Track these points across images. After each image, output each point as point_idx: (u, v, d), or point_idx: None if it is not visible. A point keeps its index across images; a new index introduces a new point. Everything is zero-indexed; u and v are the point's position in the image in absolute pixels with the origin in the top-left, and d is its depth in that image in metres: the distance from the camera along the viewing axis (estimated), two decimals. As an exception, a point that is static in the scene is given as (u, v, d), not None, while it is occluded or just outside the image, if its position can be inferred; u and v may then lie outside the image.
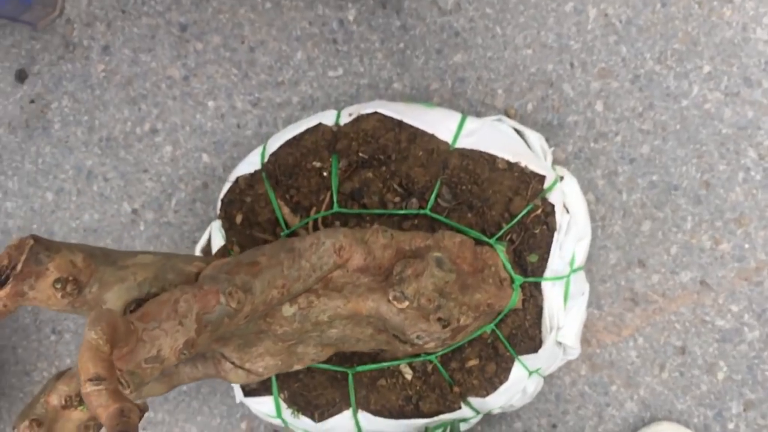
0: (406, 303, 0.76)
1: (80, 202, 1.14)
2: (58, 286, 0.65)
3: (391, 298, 0.77)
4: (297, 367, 0.85)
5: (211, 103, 1.09)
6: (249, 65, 1.08)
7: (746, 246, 0.94)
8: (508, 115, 0.99)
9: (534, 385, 0.94)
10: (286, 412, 0.95)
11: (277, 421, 0.98)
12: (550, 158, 0.93)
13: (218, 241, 0.97)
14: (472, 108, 1.00)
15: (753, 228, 0.94)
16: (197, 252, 0.99)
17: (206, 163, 1.10)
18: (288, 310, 0.79)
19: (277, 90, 1.07)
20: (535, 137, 0.93)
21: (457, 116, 0.91)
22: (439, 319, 0.78)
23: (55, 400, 0.67)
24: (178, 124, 1.10)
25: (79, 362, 0.55)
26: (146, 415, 1.10)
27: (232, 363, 0.82)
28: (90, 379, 0.53)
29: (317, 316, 0.80)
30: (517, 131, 0.93)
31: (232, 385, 1.03)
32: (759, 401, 0.95)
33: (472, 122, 0.90)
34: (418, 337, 0.79)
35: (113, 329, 0.57)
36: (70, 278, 0.66)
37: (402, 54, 1.03)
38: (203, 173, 1.10)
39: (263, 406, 0.96)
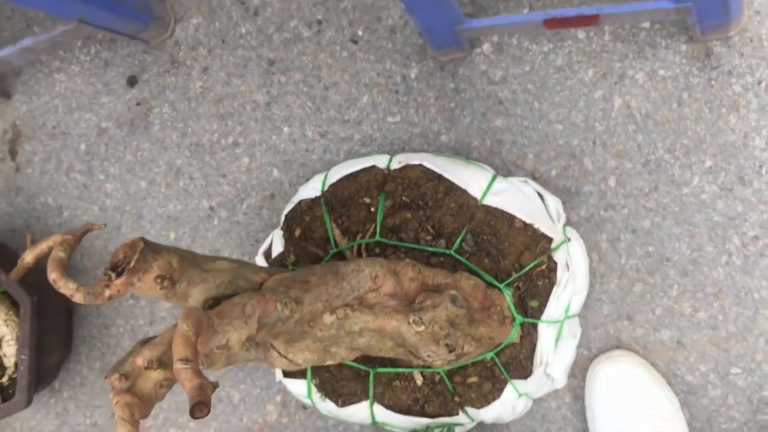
0: (423, 327, 0.95)
1: (168, 193, 1.35)
2: (159, 281, 0.85)
3: (411, 321, 0.95)
4: (329, 362, 1.05)
5: (286, 129, 1.29)
6: (322, 101, 1.27)
7: (720, 317, 1.10)
8: (534, 178, 1.17)
9: (523, 405, 1.12)
10: (316, 396, 1.15)
11: (307, 401, 1.18)
12: (563, 221, 1.10)
13: (278, 248, 1.17)
14: (504, 167, 1.18)
15: (728, 303, 1.10)
16: (259, 254, 1.20)
17: (276, 177, 1.30)
18: (328, 318, 0.98)
19: (342, 126, 1.26)
20: (553, 201, 1.10)
21: (489, 175, 1.09)
22: (447, 345, 0.96)
23: (139, 361, 0.86)
24: (257, 141, 1.30)
25: (173, 345, 0.75)
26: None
27: (278, 352, 1.01)
28: (180, 359, 0.73)
29: (350, 326, 0.99)
30: (539, 194, 1.11)
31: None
32: (712, 450, 1.12)
33: (500, 182, 1.08)
34: (428, 356, 0.97)
35: (198, 323, 0.77)
36: (167, 276, 0.86)
37: (452, 112, 1.21)
38: (272, 185, 1.30)
39: (297, 387, 1.16)
